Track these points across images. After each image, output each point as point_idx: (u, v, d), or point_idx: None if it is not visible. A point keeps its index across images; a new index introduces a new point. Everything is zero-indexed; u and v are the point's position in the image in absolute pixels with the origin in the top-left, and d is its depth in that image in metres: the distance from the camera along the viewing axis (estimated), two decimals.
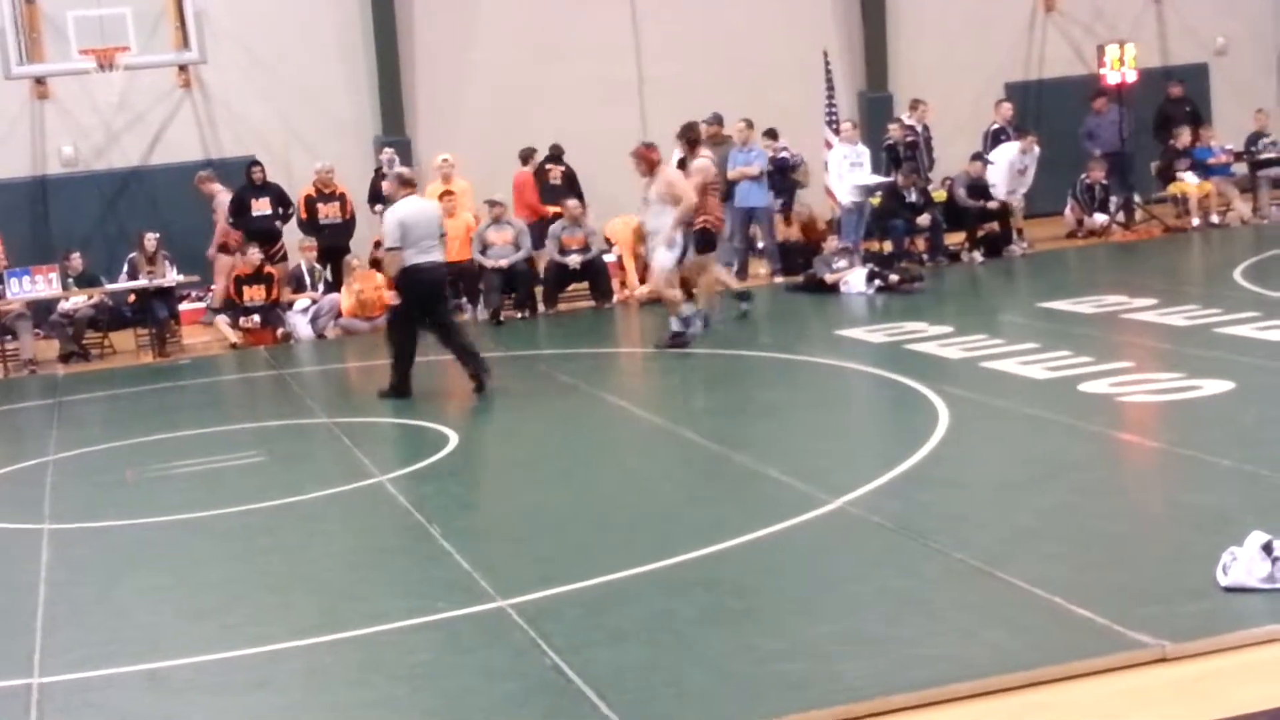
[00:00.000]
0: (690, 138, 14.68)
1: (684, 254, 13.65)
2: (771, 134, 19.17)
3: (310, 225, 17.94)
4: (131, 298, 17.23)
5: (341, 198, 17.98)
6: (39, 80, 19.10)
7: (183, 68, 19.46)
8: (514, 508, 8.78)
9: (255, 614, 6.99)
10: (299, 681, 6.05)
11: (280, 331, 16.90)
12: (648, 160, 13.47)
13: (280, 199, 18.10)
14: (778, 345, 13.68)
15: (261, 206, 17.95)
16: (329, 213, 17.90)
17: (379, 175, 18.41)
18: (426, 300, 12.33)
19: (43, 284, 16.45)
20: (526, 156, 19.01)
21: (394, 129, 20.38)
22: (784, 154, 19.16)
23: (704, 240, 14.20)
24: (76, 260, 17.13)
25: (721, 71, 20.78)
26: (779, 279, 18.23)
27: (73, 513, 9.38)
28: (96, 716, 5.89)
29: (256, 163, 18.24)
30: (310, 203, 17.99)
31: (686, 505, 8.40)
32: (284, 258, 18.03)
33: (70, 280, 16.88)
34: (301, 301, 17.15)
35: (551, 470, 9.72)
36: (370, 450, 10.46)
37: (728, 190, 18.37)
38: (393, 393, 12.25)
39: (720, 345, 13.93)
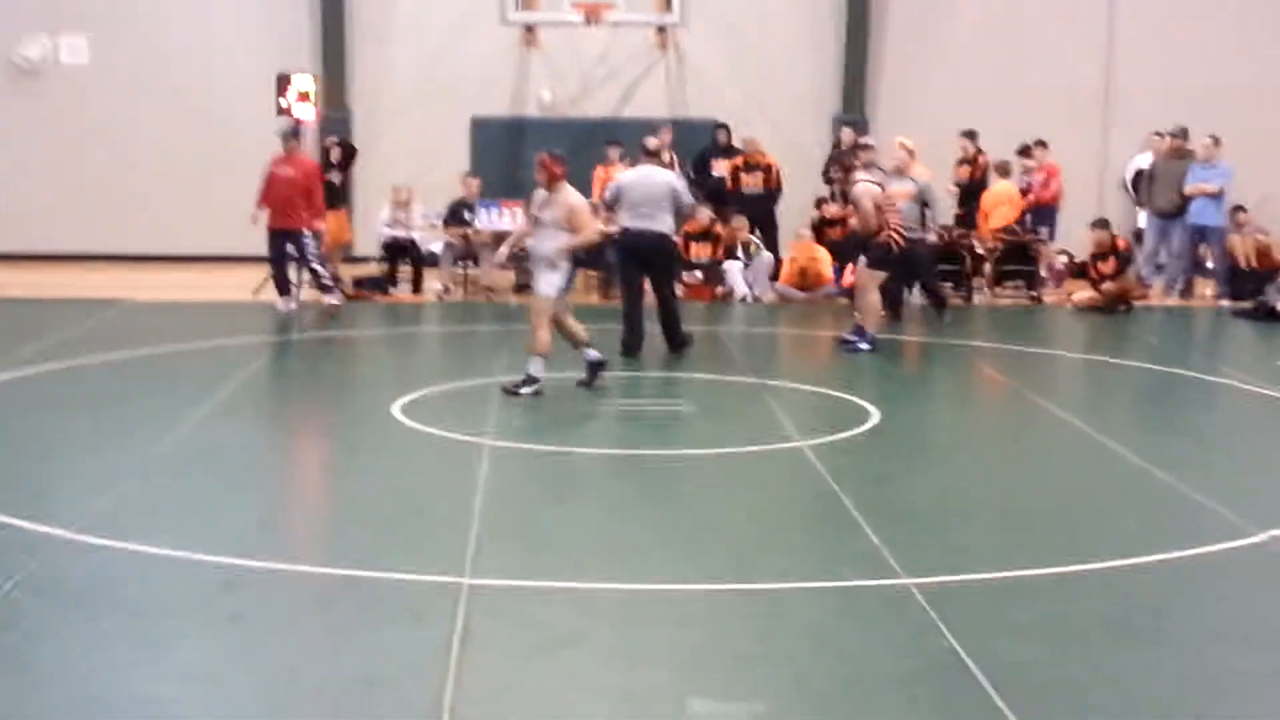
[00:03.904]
0: (844, 165, 14.28)
1: (568, 286, 11.39)
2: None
3: (734, 194, 18.35)
4: None
5: (767, 169, 18.27)
6: (529, 28, 20.17)
7: (661, 29, 20.21)
8: (927, 490, 8.86)
9: (671, 553, 7.31)
10: (707, 623, 6.32)
11: (720, 290, 17.41)
12: (548, 172, 11.21)
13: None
14: (1215, 369, 13.23)
15: (719, 168, 18.47)
16: (751, 182, 18.23)
17: (836, 149, 18.67)
18: (637, 261, 13.11)
19: (509, 218, 17.46)
20: None
21: (853, 108, 20.59)
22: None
23: (883, 257, 13.66)
24: None
25: (1192, 85, 20.00)
26: (1224, 302, 17.59)
27: (512, 433, 9.97)
28: (518, 623, 6.27)
29: (723, 125, 18.75)
30: (734, 172, 18.37)
31: (1103, 514, 8.30)
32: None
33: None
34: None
35: (969, 458, 9.75)
36: (793, 414, 10.71)
37: (1181, 205, 17.86)
38: (623, 348, 12.97)
39: (1154, 361, 13.61)
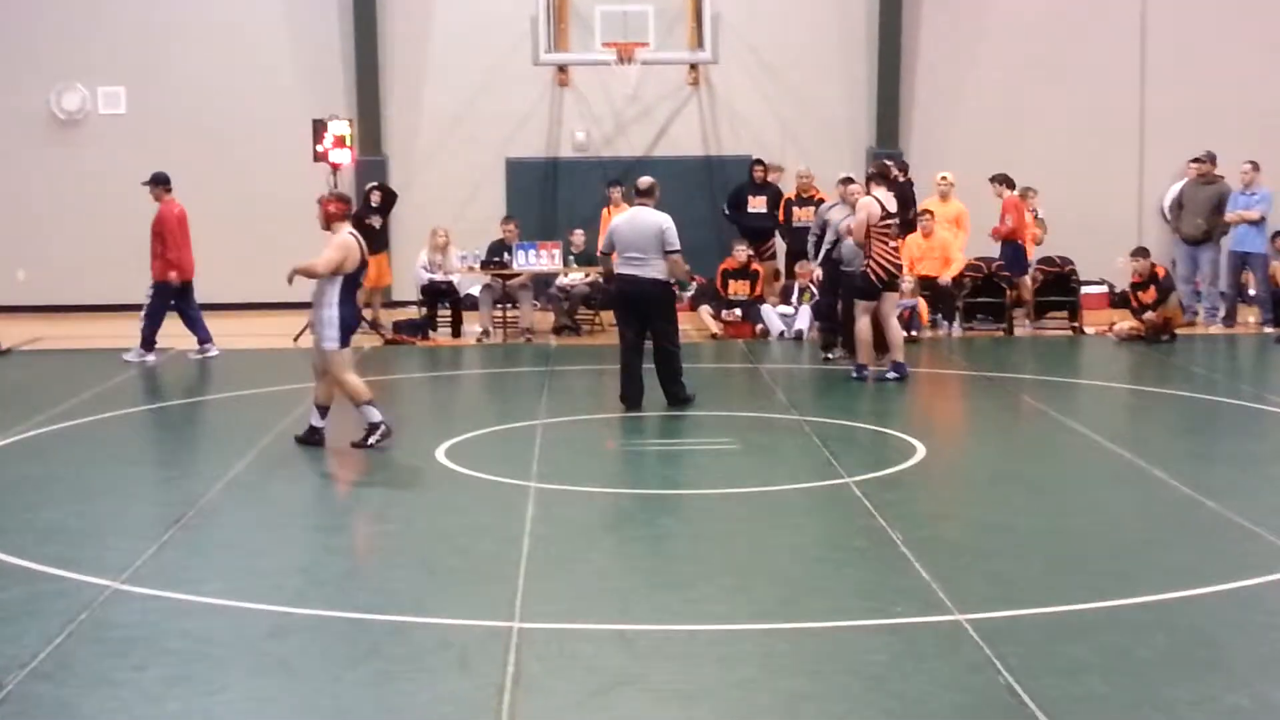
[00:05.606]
0: (870, 172, 14.23)
1: (348, 334, 10.88)
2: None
3: (786, 228, 18.34)
4: None
5: (820, 203, 18.23)
6: (562, 69, 20.28)
7: (693, 66, 20.26)
8: (976, 524, 8.81)
9: (718, 592, 7.29)
10: (757, 663, 6.28)
11: (759, 327, 17.40)
12: (324, 211, 10.89)
13: (775, 200, 18.53)
14: (1261, 396, 13.11)
15: (757, 204, 18.51)
16: (803, 216, 18.15)
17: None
18: (631, 309, 12.51)
19: (546, 259, 17.53)
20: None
21: (887, 141, 20.58)
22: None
23: (866, 289, 13.68)
24: (579, 239, 18.12)
25: (1228, 110, 19.99)
26: (1269, 329, 17.48)
27: (557, 474, 9.97)
28: (568, 666, 6.26)
29: (760, 161, 18.76)
30: (788, 205, 18.37)
31: (1153, 545, 8.24)
32: (773, 255, 18.56)
33: (571, 257, 17.87)
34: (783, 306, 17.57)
35: (1017, 491, 9.68)
36: (838, 451, 10.67)
37: (1208, 231, 17.78)
38: (621, 400, 12.51)
39: (1199, 389, 13.51)
